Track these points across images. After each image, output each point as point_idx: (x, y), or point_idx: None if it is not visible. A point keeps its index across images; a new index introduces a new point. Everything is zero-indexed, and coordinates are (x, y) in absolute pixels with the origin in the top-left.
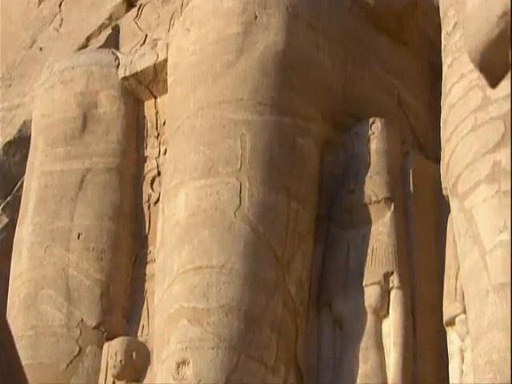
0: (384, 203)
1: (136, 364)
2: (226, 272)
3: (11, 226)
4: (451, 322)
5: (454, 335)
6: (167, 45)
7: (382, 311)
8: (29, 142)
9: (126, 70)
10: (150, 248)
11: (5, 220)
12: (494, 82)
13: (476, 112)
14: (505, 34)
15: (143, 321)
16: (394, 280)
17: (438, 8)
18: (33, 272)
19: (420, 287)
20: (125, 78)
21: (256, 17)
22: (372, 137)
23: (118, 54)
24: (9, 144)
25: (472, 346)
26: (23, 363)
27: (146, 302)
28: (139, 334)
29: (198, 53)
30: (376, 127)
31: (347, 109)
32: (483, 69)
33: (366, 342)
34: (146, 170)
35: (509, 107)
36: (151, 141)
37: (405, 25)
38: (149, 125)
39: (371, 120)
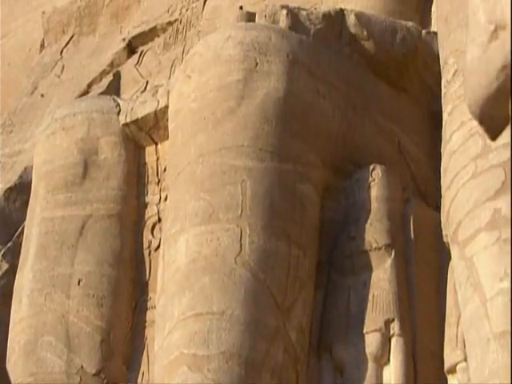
0: (385, 250)
1: None
2: (227, 318)
3: (11, 272)
4: (452, 370)
5: (455, 383)
6: (168, 92)
7: (382, 359)
8: (30, 188)
9: (126, 116)
10: (151, 294)
11: (5, 266)
12: (493, 135)
13: (476, 159)
14: (504, 87)
15: (143, 367)
16: (395, 327)
17: (437, 56)
18: (33, 319)
19: (421, 334)
20: (126, 125)
21: (257, 64)
22: (372, 183)
23: (119, 100)
24: (10, 190)
25: None
26: None
27: (146, 349)
28: (139, 380)
29: (199, 99)
30: (376, 174)
31: (348, 155)
32: (483, 122)
33: None
34: (146, 216)
35: (509, 155)
36: (152, 187)
37: (405, 72)
38: (150, 171)
39: (372, 167)
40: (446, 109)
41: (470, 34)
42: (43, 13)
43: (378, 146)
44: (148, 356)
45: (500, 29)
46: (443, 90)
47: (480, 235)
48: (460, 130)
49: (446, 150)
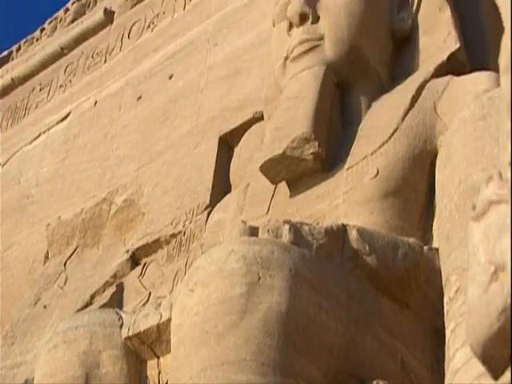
0: None
1: None
2: None
3: None
4: None
5: None
6: (171, 304)
7: None
8: None
9: (129, 329)
10: None
11: None
12: (496, 375)
13: (480, 378)
14: (505, 329)
15: None
16: None
17: (439, 271)
18: None
19: None
20: (128, 338)
21: (259, 278)
22: None
23: (121, 313)
24: None
25: None
26: None
27: None
28: None
29: (202, 313)
30: None
31: (350, 370)
32: (485, 362)
33: None
34: None
35: (509, 378)
36: None
37: (407, 287)
38: None
39: (375, 382)
40: (449, 326)
41: (471, 272)
42: (48, 225)
43: (381, 361)
44: None
45: (500, 270)
46: (446, 307)
47: None
48: (463, 348)
49: (450, 367)
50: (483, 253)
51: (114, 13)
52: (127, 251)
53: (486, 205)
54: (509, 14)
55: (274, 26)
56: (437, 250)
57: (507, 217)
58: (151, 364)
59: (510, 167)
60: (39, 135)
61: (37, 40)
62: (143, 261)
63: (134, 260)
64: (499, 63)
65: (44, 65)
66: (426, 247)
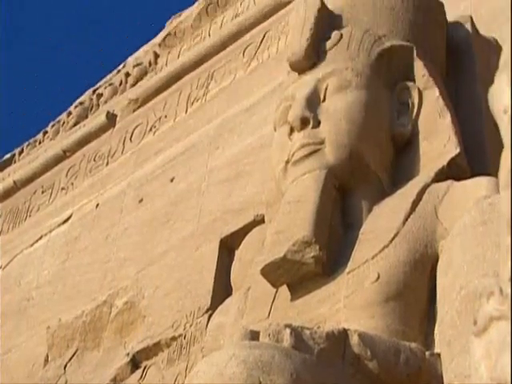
0: None
1: None
2: None
3: None
4: None
5: None
6: None
7: None
8: None
9: None
10: None
11: None
12: None
13: None
14: None
15: None
16: None
17: (441, 377)
18: None
19: None
20: None
21: (260, 383)
22: None
23: None
24: None
25: None
26: None
27: None
28: None
29: None
30: None
31: None
32: None
33: None
34: None
35: None
36: None
37: None
38: None
39: None
40: None
41: None
42: (48, 327)
43: None
44: None
45: None
46: None
47: None
48: None
49: None
50: (485, 369)
51: (116, 116)
52: (127, 354)
53: (486, 321)
54: (508, 129)
55: (275, 130)
56: (439, 355)
57: (507, 333)
58: None
59: (510, 283)
60: (40, 237)
61: (39, 143)
62: (143, 364)
63: (135, 363)
64: (499, 178)
65: (46, 167)
66: (427, 352)
